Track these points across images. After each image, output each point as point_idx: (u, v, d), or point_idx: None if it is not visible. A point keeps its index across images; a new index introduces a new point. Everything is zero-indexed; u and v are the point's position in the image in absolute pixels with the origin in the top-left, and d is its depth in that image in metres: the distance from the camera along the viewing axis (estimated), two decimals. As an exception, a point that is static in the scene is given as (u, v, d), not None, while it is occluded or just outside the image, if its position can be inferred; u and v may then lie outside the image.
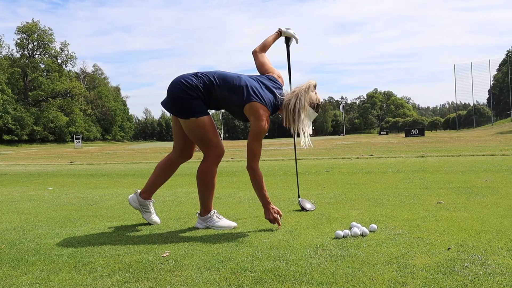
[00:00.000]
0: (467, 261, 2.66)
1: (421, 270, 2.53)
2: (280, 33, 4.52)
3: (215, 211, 4.04)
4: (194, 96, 3.74)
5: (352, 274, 2.51)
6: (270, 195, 5.91)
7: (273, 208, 3.77)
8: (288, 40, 4.66)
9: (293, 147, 4.91)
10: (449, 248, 2.95)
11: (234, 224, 3.97)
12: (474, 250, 2.89)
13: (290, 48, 4.70)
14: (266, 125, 3.72)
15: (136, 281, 2.55)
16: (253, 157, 3.77)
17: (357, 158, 14.10)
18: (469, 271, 2.48)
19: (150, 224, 4.23)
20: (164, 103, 3.95)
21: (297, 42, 4.67)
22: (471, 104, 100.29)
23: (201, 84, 3.76)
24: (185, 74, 3.88)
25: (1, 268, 2.91)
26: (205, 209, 4.01)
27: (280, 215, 3.80)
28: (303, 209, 4.64)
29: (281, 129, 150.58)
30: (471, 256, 2.76)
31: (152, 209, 4.27)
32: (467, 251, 2.87)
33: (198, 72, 3.88)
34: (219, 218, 3.99)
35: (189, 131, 3.88)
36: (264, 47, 4.39)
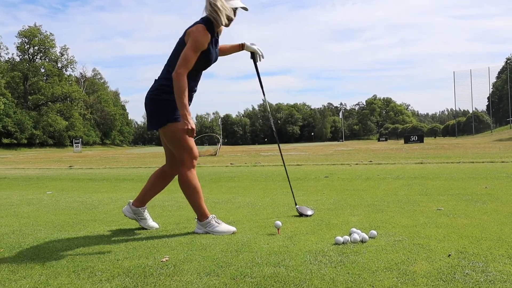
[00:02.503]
0: (467, 268, 2.65)
1: (422, 276, 2.52)
2: (242, 46, 4.46)
3: (214, 216, 4.02)
4: (165, 99, 3.86)
5: (352, 280, 2.50)
6: (270, 200, 5.93)
7: (189, 121, 3.71)
8: (253, 56, 4.50)
9: (280, 155, 5.07)
10: (450, 255, 2.94)
11: (233, 228, 3.95)
12: (474, 257, 2.88)
13: (258, 64, 4.56)
14: (203, 37, 3.75)
15: (136, 286, 2.54)
16: (185, 63, 3.70)
17: (356, 164, 14.09)
18: (470, 278, 2.47)
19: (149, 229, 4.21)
20: (148, 126, 4.14)
21: (260, 59, 4.52)
22: (471, 111, 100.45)
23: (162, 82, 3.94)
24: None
25: (0, 272, 2.90)
26: (201, 214, 4.01)
27: (193, 130, 3.73)
28: (302, 215, 4.61)
29: (281, 135, 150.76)
30: (472, 263, 2.76)
31: (147, 215, 4.28)
32: (467, 258, 2.86)
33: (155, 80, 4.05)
34: (218, 223, 3.98)
35: (166, 138, 3.96)
36: (220, 49, 4.29)
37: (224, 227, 3.95)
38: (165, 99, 3.85)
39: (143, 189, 4.29)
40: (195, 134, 3.78)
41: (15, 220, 4.92)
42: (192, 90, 3.98)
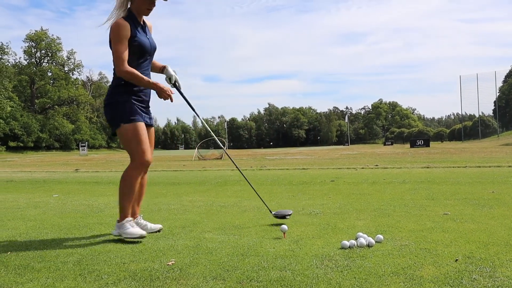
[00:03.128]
0: (475, 273, 2.63)
1: (429, 281, 2.51)
2: (163, 68, 4.39)
3: (131, 219, 3.98)
4: (117, 101, 3.97)
5: (359, 285, 2.49)
6: (275, 204, 5.92)
7: (159, 84, 3.94)
8: (169, 81, 4.31)
9: (231, 159, 4.88)
10: (457, 260, 2.93)
11: (142, 232, 3.86)
12: (482, 262, 2.86)
13: (181, 89, 4.38)
14: (120, 28, 3.83)
15: (142, 289, 2.54)
16: (118, 58, 3.81)
17: (362, 168, 14.05)
18: (477, 283, 2.46)
19: (155, 232, 4.21)
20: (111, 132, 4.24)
21: (178, 86, 4.35)
22: (477, 116, 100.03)
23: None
24: None
25: (7, 275, 2.91)
26: (122, 215, 3.98)
27: (167, 89, 3.99)
28: (284, 217, 4.45)
29: (286, 138, 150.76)
30: (479, 268, 2.74)
31: (139, 223, 4.20)
32: (475, 263, 2.85)
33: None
34: (131, 226, 3.93)
35: (120, 139, 4.05)
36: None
37: (133, 230, 3.88)
38: (117, 101, 3.95)
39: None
40: (172, 93, 3.99)
41: (22, 223, 4.94)
42: None
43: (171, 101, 3.99)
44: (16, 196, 7.94)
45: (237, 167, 4.98)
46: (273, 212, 4.52)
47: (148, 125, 4.15)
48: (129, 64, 3.85)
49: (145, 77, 3.90)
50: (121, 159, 35.75)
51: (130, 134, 3.92)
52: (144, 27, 4.10)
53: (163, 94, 3.94)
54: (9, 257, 3.41)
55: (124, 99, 3.92)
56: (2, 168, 22.27)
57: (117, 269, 2.97)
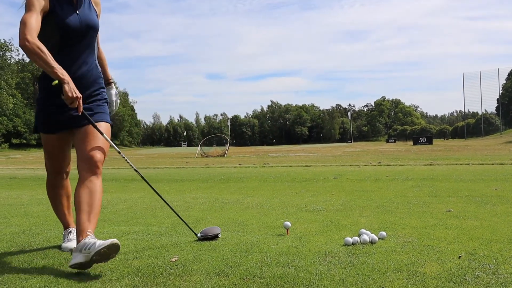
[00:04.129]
0: (478, 270, 2.63)
1: (432, 278, 2.51)
2: (108, 82, 3.71)
3: (72, 231, 3.64)
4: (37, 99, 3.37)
5: (362, 281, 2.49)
6: (279, 201, 5.92)
7: (72, 89, 2.95)
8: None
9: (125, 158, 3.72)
10: (460, 257, 2.93)
11: (71, 247, 3.38)
12: (485, 259, 2.86)
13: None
14: None
15: (145, 285, 2.55)
16: (23, 26, 2.92)
17: (365, 165, 14.05)
18: (481, 280, 2.46)
19: (158, 228, 4.22)
20: None
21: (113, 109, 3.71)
22: (480, 113, 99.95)
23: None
24: None
25: (11, 271, 2.92)
26: (63, 225, 3.73)
27: (80, 97, 2.99)
28: (214, 237, 3.66)
29: (289, 135, 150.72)
30: (482, 265, 2.74)
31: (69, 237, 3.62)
32: (478, 260, 2.85)
33: None
34: (68, 240, 3.56)
35: None
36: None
37: (67, 244, 3.52)
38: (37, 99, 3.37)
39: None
40: (75, 96, 2.94)
41: (25, 220, 4.95)
42: (73, 72, 3.12)
43: (77, 111, 3.06)
44: (19, 193, 7.96)
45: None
46: (199, 234, 3.64)
47: (99, 121, 3.25)
48: (49, 49, 2.97)
49: (52, 63, 2.92)
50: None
51: (43, 142, 3.46)
52: (80, 1, 3.24)
53: (67, 98, 2.95)
54: (13, 253, 3.42)
55: (38, 97, 3.31)
56: (5, 165, 22.32)
57: (120, 265, 2.98)
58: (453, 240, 3.42)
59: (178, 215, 3.68)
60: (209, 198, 6.49)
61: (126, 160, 3.58)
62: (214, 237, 3.60)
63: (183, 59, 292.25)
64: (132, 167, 3.58)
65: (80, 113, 3.05)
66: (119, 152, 3.64)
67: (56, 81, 2.93)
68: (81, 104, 3.00)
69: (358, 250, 3.18)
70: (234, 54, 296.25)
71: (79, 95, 2.96)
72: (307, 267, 2.79)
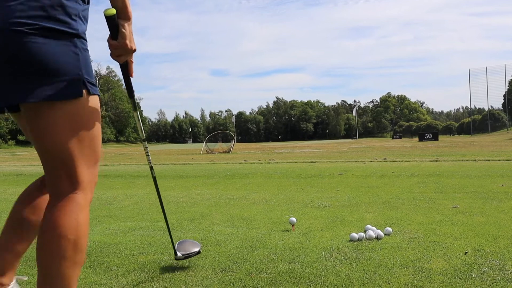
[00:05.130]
0: (484, 266, 2.62)
1: (438, 274, 2.50)
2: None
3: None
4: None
5: (368, 277, 2.49)
6: (284, 197, 5.92)
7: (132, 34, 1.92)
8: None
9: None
10: (466, 253, 2.92)
11: None
12: (491, 255, 2.85)
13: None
14: None
15: (151, 280, 2.55)
16: None
17: (371, 161, 14.02)
18: (487, 276, 2.45)
19: (164, 224, 4.23)
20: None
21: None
22: (486, 109, 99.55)
23: None
24: None
25: (19, 266, 2.93)
26: None
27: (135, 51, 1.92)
28: (191, 253, 2.85)
29: (294, 132, 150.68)
30: (489, 261, 2.73)
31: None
32: (484, 256, 2.84)
33: None
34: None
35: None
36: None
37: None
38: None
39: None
40: (133, 47, 1.85)
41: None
42: None
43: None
44: (25, 189, 8.00)
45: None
46: (179, 253, 2.78)
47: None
48: None
49: None
50: (130, 152, 35.91)
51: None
52: None
53: (122, 46, 1.83)
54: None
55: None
56: (12, 162, 22.43)
57: (127, 261, 2.99)
58: (459, 236, 3.41)
59: (168, 226, 2.93)
60: (214, 194, 6.49)
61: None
62: (196, 254, 2.87)
63: (188, 55, 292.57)
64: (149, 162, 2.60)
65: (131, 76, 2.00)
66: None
67: (113, 10, 1.78)
68: (132, 63, 1.97)
69: (363, 246, 3.18)
70: (239, 50, 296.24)
71: (135, 47, 1.86)
72: (313, 262, 2.79)
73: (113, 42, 1.76)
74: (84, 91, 1.71)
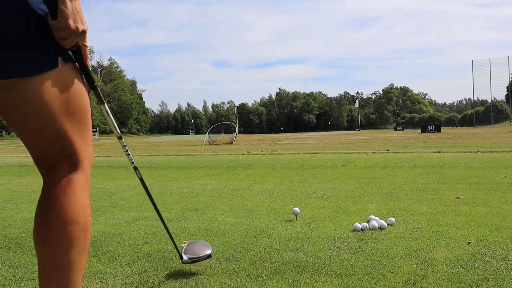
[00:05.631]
0: (487, 256, 2.63)
1: (441, 263, 2.51)
2: None
3: None
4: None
5: (371, 266, 2.50)
6: (287, 188, 5.93)
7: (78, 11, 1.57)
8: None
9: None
10: (469, 243, 2.93)
11: None
12: (494, 245, 2.86)
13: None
14: None
15: (156, 270, 2.57)
16: None
17: (374, 152, 14.02)
18: (490, 265, 2.46)
19: (168, 214, 4.24)
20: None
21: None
22: (489, 101, 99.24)
23: None
24: None
25: (23, 256, 2.95)
26: None
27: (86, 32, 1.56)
28: (203, 258, 2.53)
29: (297, 123, 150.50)
30: (492, 251, 2.74)
31: None
32: (487, 246, 2.84)
33: None
34: None
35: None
36: None
37: None
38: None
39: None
40: (80, 28, 1.47)
41: (36, 206, 4.98)
42: None
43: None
44: (29, 180, 8.03)
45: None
46: (185, 257, 2.46)
47: None
48: None
49: None
50: (132, 144, 35.95)
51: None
52: None
53: (65, 27, 1.44)
54: (24, 238, 3.46)
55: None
56: (15, 153, 22.49)
57: (131, 250, 3.00)
58: (462, 226, 3.42)
59: (166, 228, 2.55)
60: (217, 185, 6.50)
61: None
62: (206, 258, 2.54)
63: (190, 47, 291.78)
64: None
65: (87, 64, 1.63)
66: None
67: None
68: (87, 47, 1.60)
69: (367, 236, 3.18)
70: (241, 41, 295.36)
71: (85, 27, 1.49)
72: (316, 252, 2.80)
73: (53, 22, 1.42)
74: (59, 58, 1.45)
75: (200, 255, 2.50)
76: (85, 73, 1.65)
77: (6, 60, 1.37)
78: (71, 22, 1.42)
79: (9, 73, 1.38)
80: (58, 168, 1.53)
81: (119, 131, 2.03)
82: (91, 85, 1.70)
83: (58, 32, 1.44)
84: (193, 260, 2.48)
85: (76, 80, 1.54)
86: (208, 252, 2.53)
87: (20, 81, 1.40)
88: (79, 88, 1.55)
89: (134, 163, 2.20)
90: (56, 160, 1.54)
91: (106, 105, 1.82)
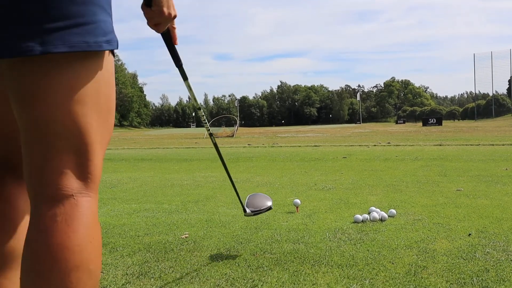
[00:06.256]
0: (488, 247, 2.63)
1: (442, 254, 2.51)
2: None
3: None
4: None
5: (372, 257, 2.50)
6: (288, 180, 5.94)
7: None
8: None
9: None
10: (470, 234, 2.93)
11: None
12: (495, 237, 2.86)
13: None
14: None
15: (156, 260, 2.57)
16: None
17: (374, 145, 14.01)
18: (491, 256, 2.46)
19: (169, 206, 4.25)
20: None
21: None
22: (491, 94, 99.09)
23: None
24: None
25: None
26: None
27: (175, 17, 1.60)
28: (265, 210, 2.73)
29: (298, 116, 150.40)
30: (492, 242, 2.74)
31: None
32: (488, 237, 2.84)
33: None
34: None
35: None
36: None
37: None
38: None
39: None
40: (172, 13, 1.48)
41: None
42: None
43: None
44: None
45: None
46: (248, 210, 2.69)
47: None
48: None
49: None
50: (133, 137, 35.96)
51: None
52: None
53: (160, 14, 1.43)
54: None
55: None
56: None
57: (132, 241, 3.01)
58: (463, 218, 3.42)
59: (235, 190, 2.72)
60: (218, 177, 6.50)
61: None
62: (267, 209, 2.72)
63: (191, 40, 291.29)
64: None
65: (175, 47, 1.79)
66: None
67: None
68: (175, 29, 1.68)
69: (368, 227, 3.19)
70: (242, 34, 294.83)
71: (176, 12, 1.48)
72: (317, 243, 2.80)
73: (147, 10, 1.42)
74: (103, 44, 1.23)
75: (262, 208, 2.67)
76: (173, 52, 1.83)
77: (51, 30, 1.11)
78: (165, 9, 1.41)
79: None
80: (63, 186, 1.13)
81: (198, 102, 2.26)
82: (177, 63, 1.90)
83: (152, 19, 1.44)
84: (255, 213, 2.67)
85: (112, 74, 1.31)
86: (269, 204, 2.71)
87: (62, 58, 1.13)
88: (112, 84, 1.30)
89: (210, 130, 2.51)
90: (61, 175, 1.13)
91: (189, 81, 2.03)
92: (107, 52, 1.24)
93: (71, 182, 1.13)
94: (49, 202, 1.11)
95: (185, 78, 2.00)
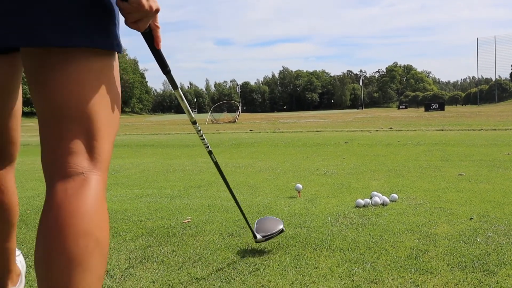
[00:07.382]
0: (489, 231, 2.64)
1: (443, 238, 2.52)
2: None
3: None
4: None
5: (374, 241, 2.51)
6: (290, 165, 5.95)
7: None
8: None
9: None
10: (471, 218, 2.93)
11: None
12: (496, 221, 2.86)
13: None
14: None
15: (159, 245, 2.59)
16: None
17: (376, 130, 14.00)
18: (492, 240, 2.47)
19: (171, 191, 4.26)
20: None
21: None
22: (493, 79, 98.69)
23: None
24: None
25: (28, 232, 2.98)
26: None
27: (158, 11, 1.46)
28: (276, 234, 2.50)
29: (300, 102, 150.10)
30: (494, 226, 2.74)
31: None
32: (489, 222, 2.85)
33: None
34: None
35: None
36: None
37: None
38: None
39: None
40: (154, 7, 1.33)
41: (40, 184, 5.01)
42: None
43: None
44: (33, 159, 8.05)
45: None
46: (258, 236, 2.44)
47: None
48: None
49: None
50: (135, 123, 35.97)
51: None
52: None
53: (140, 8, 1.28)
54: (29, 215, 3.48)
55: None
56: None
57: (135, 226, 3.02)
58: (464, 202, 3.42)
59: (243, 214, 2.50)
60: (220, 163, 6.47)
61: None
62: (280, 233, 2.51)
63: (191, 25, 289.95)
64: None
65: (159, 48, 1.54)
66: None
67: None
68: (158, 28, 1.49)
69: (369, 211, 3.20)
70: (243, 20, 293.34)
71: (158, 5, 1.35)
72: (319, 227, 2.82)
73: (124, 5, 1.25)
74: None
75: (273, 231, 2.48)
76: (158, 58, 1.58)
77: (87, 25, 1.24)
78: (144, 1, 1.26)
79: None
80: (73, 165, 1.22)
81: (193, 115, 2.06)
82: (163, 70, 1.65)
83: (129, 15, 1.29)
84: (267, 238, 2.46)
85: (118, 72, 1.39)
86: (280, 227, 2.52)
87: (88, 52, 1.25)
88: (118, 80, 1.38)
89: (209, 147, 2.26)
90: (73, 155, 1.23)
91: (179, 90, 1.82)
92: (116, 53, 1.36)
93: (82, 161, 1.24)
94: (61, 179, 1.21)
95: (175, 87, 1.75)
